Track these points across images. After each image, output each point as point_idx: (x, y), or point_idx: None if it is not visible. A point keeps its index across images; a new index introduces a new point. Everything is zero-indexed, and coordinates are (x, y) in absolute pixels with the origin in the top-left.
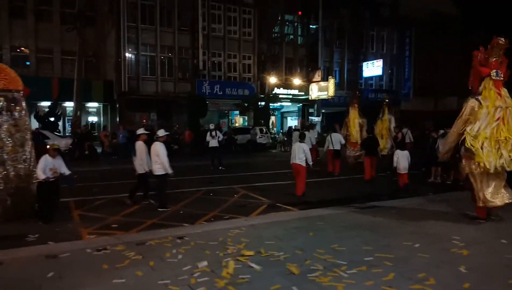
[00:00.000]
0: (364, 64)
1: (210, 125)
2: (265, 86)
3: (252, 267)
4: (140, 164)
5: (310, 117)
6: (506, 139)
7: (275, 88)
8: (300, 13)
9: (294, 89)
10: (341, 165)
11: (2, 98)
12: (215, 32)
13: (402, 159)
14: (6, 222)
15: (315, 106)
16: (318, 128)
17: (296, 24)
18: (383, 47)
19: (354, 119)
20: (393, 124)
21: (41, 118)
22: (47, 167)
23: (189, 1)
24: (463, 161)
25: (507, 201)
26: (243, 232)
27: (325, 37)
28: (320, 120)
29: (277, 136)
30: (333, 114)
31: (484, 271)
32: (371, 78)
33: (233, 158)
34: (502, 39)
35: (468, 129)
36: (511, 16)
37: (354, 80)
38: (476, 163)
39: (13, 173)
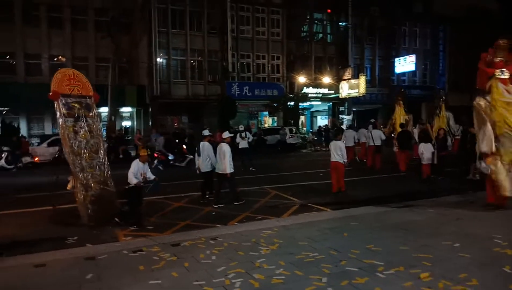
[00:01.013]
0: (396, 60)
1: (240, 126)
2: (294, 85)
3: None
4: (206, 164)
5: (340, 116)
6: None
7: (304, 88)
8: (329, 11)
9: (324, 87)
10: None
11: (77, 105)
12: (243, 34)
13: (426, 152)
14: (90, 228)
15: (346, 104)
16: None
17: (325, 22)
18: (415, 42)
19: (400, 115)
20: (452, 121)
21: None
22: (139, 172)
23: (217, 4)
24: (484, 158)
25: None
26: (275, 233)
27: (355, 34)
28: (351, 118)
29: (307, 136)
30: (364, 112)
31: None
32: (403, 74)
33: (263, 159)
34: (504, 40)
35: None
36: None
37: (386, 76)
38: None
39: (91, 179)
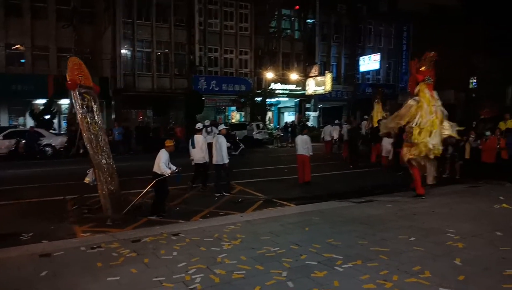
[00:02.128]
0: (361, 58)
1: (205, 121)
2: (262, 81)
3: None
4: (201, 156)
5: (307, 112)
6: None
7: (272, 83)
8: (297, 7)
9: (291, 84)
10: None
11: (87, 96)
12: (211, 27)
13: (386, 144)
14: (113, 221)
15: (312, 101)
16: (313, 122)
17: (293, 18)
18: (380, 41)
19: (378, 113)
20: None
21: (36, 115)
22: (167, 161)
23: None
24: (404, 149)
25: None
26: (238, 228)
27: (322, 32)
28: (317, 115)
29: (273, 132)
30: (330, 108)
31: (479, 263)
32: (368, 72)
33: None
34: (432, 53)
35: (413, 124)
36: (509, 7)
37: (351, 74)
38: (419, 150)
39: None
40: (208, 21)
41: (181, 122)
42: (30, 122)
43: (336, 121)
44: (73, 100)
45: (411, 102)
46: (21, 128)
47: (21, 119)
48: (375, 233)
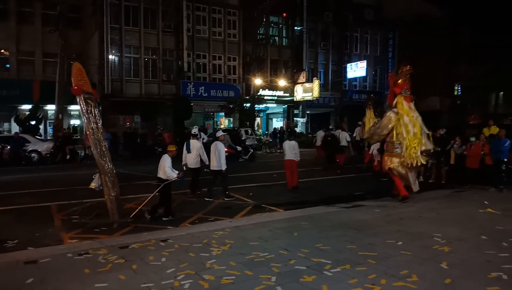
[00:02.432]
0: (348, 65)
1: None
2: (250, 87)
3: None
4: (195, 161)
5: (295, 118)
6: (413, 140)
7: (260, 90)
8: (284, 15)
9: (279, 90)
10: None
11: (90, 101)
12: (199, 34)
13: (375, 147)
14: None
15: (300, 107)
16: (302, 128)
17: (281, 26)
18: (366, 48)
19: (370, 119)
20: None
21: (22, 121)
22: (171, 166)
23: (173, 3)
24: (385, 158)
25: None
26: (227, 234)
27: (310, 39)
28: (305, 121)
29: (262, 138)
30: (317, 115)
31: (465, 267)
32: (355, 79)
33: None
34: (407, 67)
35: (395, 134)
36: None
37: (339, 81)
38: (401, 159)
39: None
40: (196, 27)
41: (169, 128)
42: (15, 128)
43: (330, 127)
44: (79, 106)
45: (390, 114)
46: (6, 134)
47: (6, 125)
48: (363, 237)
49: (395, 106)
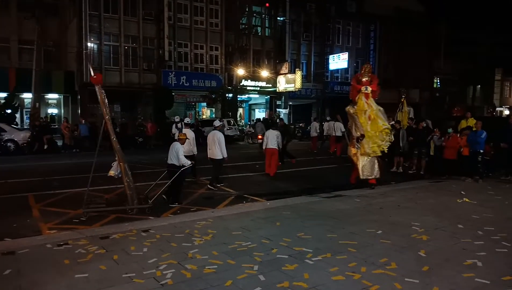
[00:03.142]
0: (330, 57)
1: (176, 117)
2: (232, 77)
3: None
4: (189, 149)
5: (277, 109)
6: (375, 132)
7: (243, 80)
8: (267, 5)
9: (262, 81)
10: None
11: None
12: (181, 22)
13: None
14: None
15: (283, 98)
16: (284, 119)
17: (263, 16)
18: (348, 40)
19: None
20: (412, 115)
21: None
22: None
23: None
24: (350, 147)
25: (377, 176)
26: (210, 224)
27: (293, 30)
28: (287, 112)
29: (244, 128)
30: (300, 106)
31: (442, 255)
32: (337, 70)
33: (200, 150)
34: (368, 65)
35: (354, 127)
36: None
37: (321, 73)
38: (361, 149)
39: None
40: (177, 15)
41: (150, 117)
42: None
43: (328, 118)
44: (98, 95)
45: (350, 109)
46: None
47: None
48: (344, 226)
49: (356, 102)
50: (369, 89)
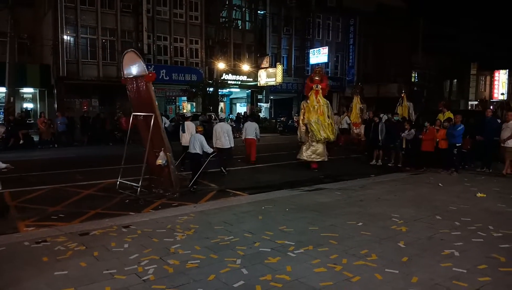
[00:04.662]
0: (311, 51)
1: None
2: (213, 71)
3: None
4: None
5: (258, 103)
6: (323, 123)
7: (224, 74)
8: None
9: (243, 75)
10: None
11: None
12: (160, 15)
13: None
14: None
15: (264, 92)
16: (265, 113)
17: (244, 9)
18: (328, 34)
19: (356, 104)
20: (412, 110)
21: None
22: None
23: None
24: (304, 134)
25: (324, 159)
26: (192, 219)
27: (273, 24)
28: (268, 106)
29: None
30: (280, 100)
31: (421, 245)
32: (317, 65)
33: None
34: (319, 67)
35: (306, 119)
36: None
37: (301, 67)
38: (313, 137)
39: None
40: (156, 8)
41: (129, 112)
42: None
43: (335, 112)
44: (151, 92)
45: (303, 103)
46: None
47: None
48: (325, 219)
49: (308, 98)
50: (319, 87)
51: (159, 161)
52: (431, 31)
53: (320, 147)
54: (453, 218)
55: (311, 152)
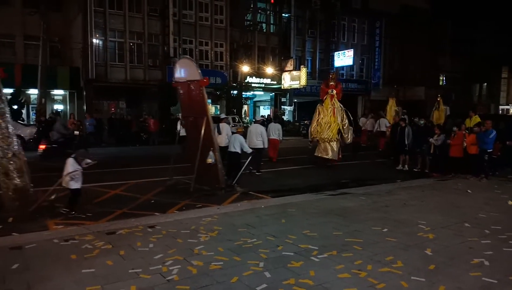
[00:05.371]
0: (336, 54)
1: (179, 114)
2: (237, 74)
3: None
4: (226, 140)
5: (282, 106)
6: (336, 123)
7: (248, 77)
8: (272, 1)
9: (267, 78)
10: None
11: None
12: (186, 19)
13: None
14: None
15: (287, 95)
16: (289, 116)
17: (268, 12)
18: (354, 37)
19: (392, 106)
20: (448, 113)
21: None
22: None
23: None
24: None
25: (332, 157)
26: (215, 220)
27: (298, 26)
28: (292, 109)
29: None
30: (304, 103)
31: (449, 253)
32: (342, 68)
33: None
34: (334, 73)
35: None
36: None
37: (326, 69)
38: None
39: None
40: (182, 12)
41: (154, 114)
42: None
43: (371, 115)
44: (204, 96)
45: (319, 106)
46: None
47: None
48: (350, 224)
49: (324, 101)
50: (334, 91)
51: (209, 160)
52: (459, 34)
53: (329, 146)
54: (482, 226)
55: (322, 150)
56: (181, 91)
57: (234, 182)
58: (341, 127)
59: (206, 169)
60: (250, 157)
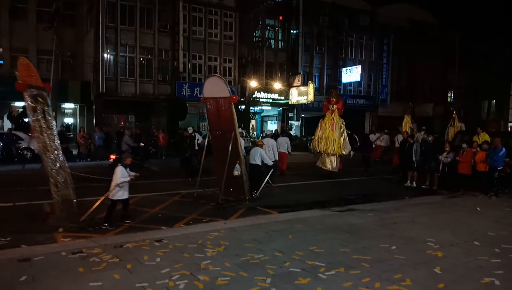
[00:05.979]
0: (343, 70)
1: (189, 128)
2: (245, 89)
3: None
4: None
5: (289, 121)
6: (334, 137)
7: (256, 92)
8: (281, 18)
9: (274, 93)
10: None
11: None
12: (195, 35)
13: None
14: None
15: (295, 110)
16: (296, 131)
17: (277, 28)
18: (361, 53)
19: (407, 123)
20: (463, 130)
21: (15, 118)
22: None
23: (169, 3)
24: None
25: (332, 169)
26: (222, 235)
27: (305, 43)
28: (299, 124)
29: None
30: (312, 118)
31: (458, 272)
32: (350, 84)
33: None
34: (335, 90)
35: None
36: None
37: (333, 85)
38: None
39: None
40: (192, 28)
41: (163, 128)
42: (8, 125)
43: (386, 131)
44: (231, 112)
45: (321, 121)
46: None
47: None
48: (357, 241)
49: (325, 115)
50: (335, 107)
51: (236, 172)
52: (467, 50)
53: (328, 159)
54: (492, 245)
55: (324, 162)
56: (209, 106)
57: (257, 193)
58: (339, 141)
59: (232, 181)
60: (272, 170)
